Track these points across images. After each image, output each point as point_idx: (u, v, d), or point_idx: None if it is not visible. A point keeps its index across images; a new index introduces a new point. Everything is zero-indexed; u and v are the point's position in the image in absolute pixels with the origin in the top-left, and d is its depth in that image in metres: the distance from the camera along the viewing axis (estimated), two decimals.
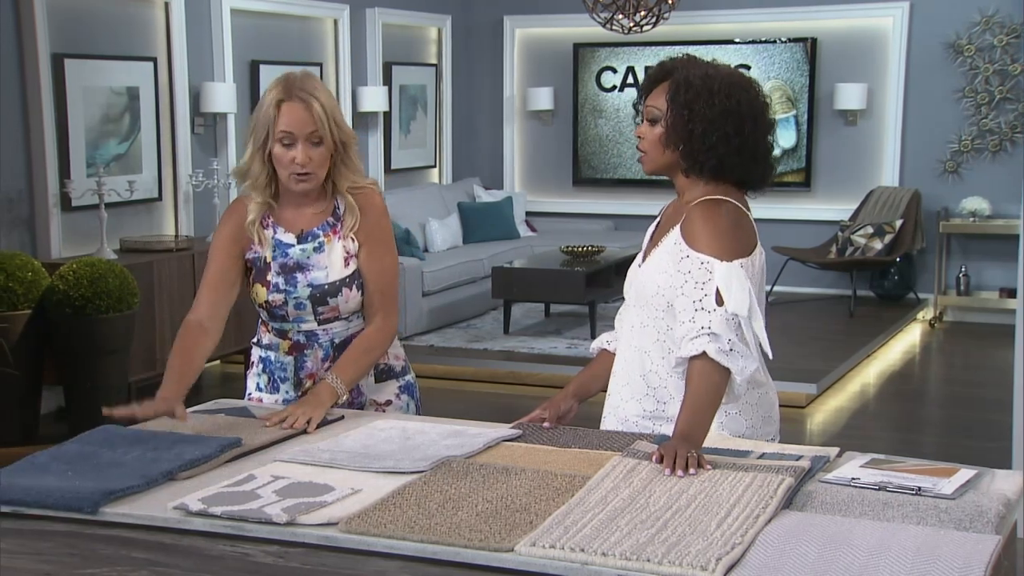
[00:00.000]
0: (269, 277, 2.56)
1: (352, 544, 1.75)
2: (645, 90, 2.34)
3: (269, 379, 2.65)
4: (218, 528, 1.82)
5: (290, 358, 2.62)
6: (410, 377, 2.74)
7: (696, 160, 2.23)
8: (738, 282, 2.14)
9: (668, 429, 2.23)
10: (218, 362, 6.72)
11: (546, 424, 2.35)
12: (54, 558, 1.79)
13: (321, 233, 2.56)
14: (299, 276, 2.55)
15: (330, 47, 7.75)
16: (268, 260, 2.56)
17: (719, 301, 2.14)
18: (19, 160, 5.54)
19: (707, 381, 2.11)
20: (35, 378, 5.06)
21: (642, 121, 2.31)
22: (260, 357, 2.67)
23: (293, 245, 2.56)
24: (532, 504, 1.85)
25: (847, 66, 8.27)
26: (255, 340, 2.69)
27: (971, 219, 7.77)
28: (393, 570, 1.70)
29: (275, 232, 2.57)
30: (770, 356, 2.21)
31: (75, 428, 4.73)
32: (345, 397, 2.52)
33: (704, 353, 2.11)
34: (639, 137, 2.31)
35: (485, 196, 8.97)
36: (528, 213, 9.14)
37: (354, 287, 2.56)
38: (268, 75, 7.10)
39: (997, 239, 7.77)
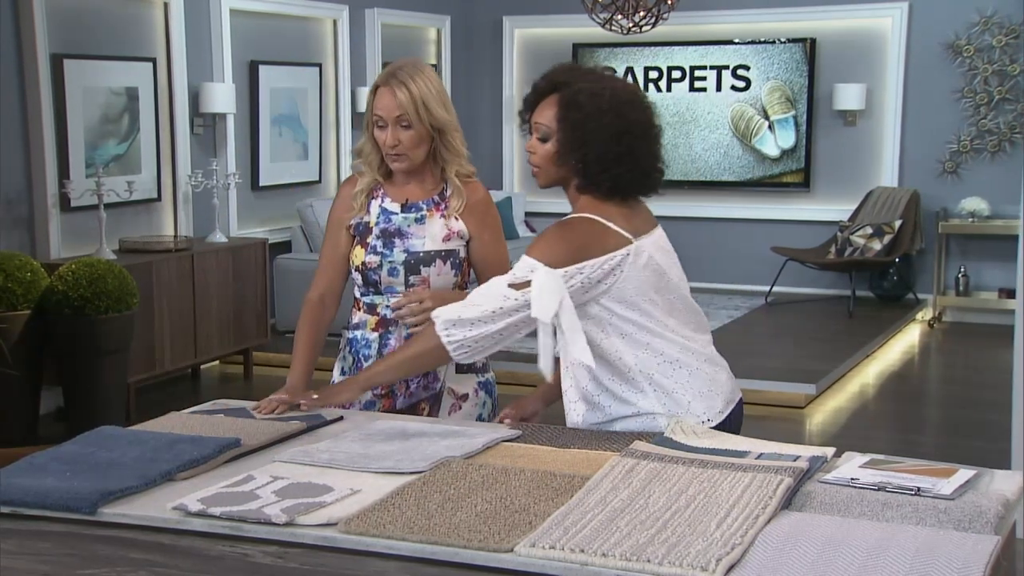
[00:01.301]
0: (369, 240, 2.68)
1: (351, 544, 1.75)
2: (531, 104, 2.37)
3: (354, 360, 2.73)
4: (217, 528, 1.82)
5: (375, 335, 2.69)
6: (490, 376, 2.78)
7: (592, 181, 2.28)
8: (552, 291, 2.19)
9: (624, 427, 2.32)
10: (217, 362, 6.72)
11: (507, 422, 2.41)
12: (53, 558, 1.79)
13: (425, 207, 2.68)
14: (397, 241, 2.66)
15: (329, 47, 7.75)
16: (371, 225, 2.68)
17: (517, 287, 2.22)
18: (18, 160, 5.54)
19: (420, 342, 2.31)
20: (34, 378, 5.06)
21: (530, 135, 2.34)
22: (348, 339, 2.75)
23: (397, 213, 2.68)
24: (531, 505, 1.85)
25: (846, 66, 8.27)
26: (347, 324, 2.78)
27: (970, 219, 7.78)
28: (392, 570, 1.70)
29: (382, 201, 2.69)
30: (590, 362, 2.24)
31: (74, 428, 4.73)
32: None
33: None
34: (530, 151, 2.35)
35: None
36: (527, 213, 9.14)
37: (448, 263, 2.66)
38: (267, 75, 7.12)
39: (996, 239, 7.77)
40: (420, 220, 2.67)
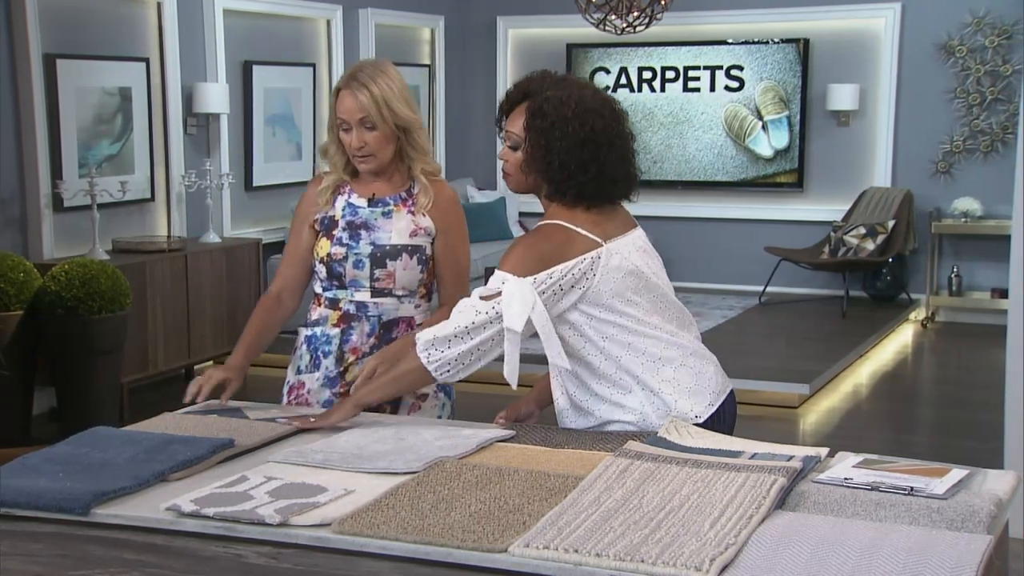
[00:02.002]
0: (335, 232, 2.67)
1: (345, 545, 1.75)
2: (504, 112, 2.39)
3: (312, 357, 2.70)
4: (211, 529, 1.82)
5: (337, 331, 2.68)
6: None
7: (557, 189, 2.30)
8: (521, 299, 2.20)
9: (586, 422, 2.35)
10: (210, 363, 6.71)
11: (500, 421, 2.41)
12: (45, 559, 1.79)
13: (392, 203, 2.68)
14: (363, 234, 2.66)
15: (323, 47, 7.74)
16: (337, 218, 2.67)
17: (487, 298, 2.24)
18: (11, 161, 5.53)
19: (405, 363, 2.32)
20: (27, 379, 5.05)
21: (504, 143, 2.37)
22: (306, 336, 2.73)
23: (363, 207, 2.68)
24: (525, 505, 1.85)
25: (839, 67, 8.28)
26: (304, 322, 2.77)
27: (963, 220, 7.79)
28: (386, 571, 1.70)
29: (349, 197, 2.69)
30: (566, 366, 2.28)
31: (67, 429, 4.72)
32: None
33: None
34: (502, 159, 2.37)
35: (478, 196, 8.97)
36: (521, 214, 9.14)
37: (414, 259, 2.65)
38: (261, 76, 7.11)
39: (989, 239, 7.79)
40: (387, 214, 2.66)
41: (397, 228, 2.65)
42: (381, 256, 2.64)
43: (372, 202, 2.67)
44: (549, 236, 2.28)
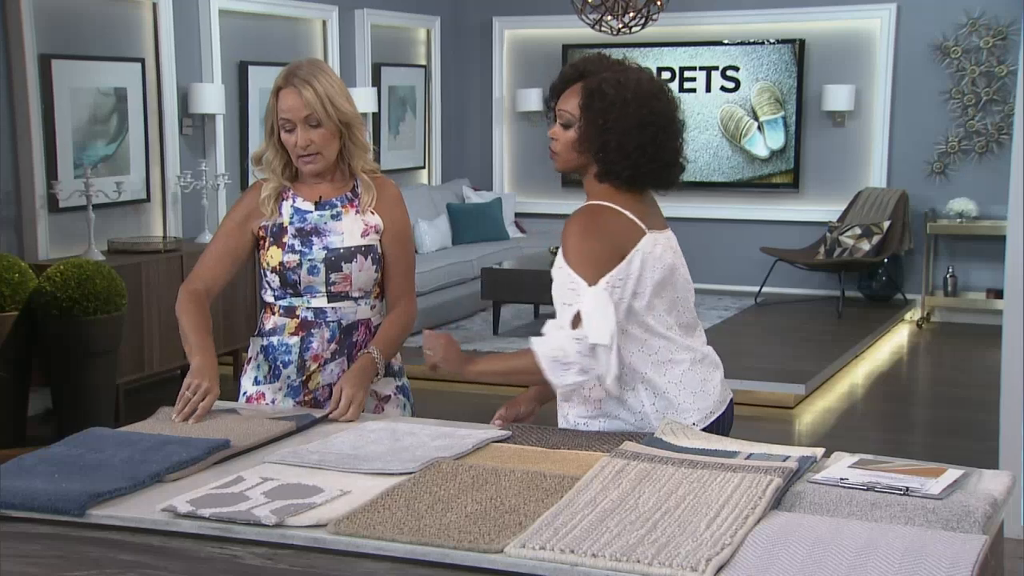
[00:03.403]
0: (285, 239, 2.61)
1: (341, 546, 1.75)
2: (556, 91, 2.37)
3: (270, 368, 2.65)
4: (206, 530, 1.81)
5: (296, 339, 2.63)
6: (405, 380, 2.77)
7: (611, 170, 2.29)
8: (602, 309, 2.20)
9: (609, 426, 2.33)
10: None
11: (498, 423, 2.40)
12: (41, 561, 1.79)
13: (339, 204, 2.64)
14: (315, 239, 2.61)
15: (319, 48, 7.74)
16: (285, 225, 2.62)
17: (576, 323, 2.22)
18: (6, 161, 5.52)
19: (522, 366, 2.28)
20: (22, 380, 5.04)
21: (554, 122, 2.35)
22: (261, 346, 2.67)
23: (311, 211, 2.63)
24: (521, 505, 1.85)
25: (835, 67, 8.29)
26: (255, 333, 2.70)
27: (958, 220, 7.81)
28: (382, 571, 1.70)
29: (293, 202, 2.64)
30: (608, 383, 2.26)
31: (63, 430, 4.72)
32: (381, 375, 2.59)
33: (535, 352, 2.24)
34: (552, 138, 2.36)
35: (474, 197, 8.97)
36: (517, 214, 9.14)
37: (369, 259, 2.62)
38: (257, 76, 7.10)
39: (984, 240, 7.80)
40: (336, 216, 2.62)
41: (348, 230, 2.61)
42: (336, 260, 2.60)
43: (319, 205, 2.63)
44: (603, 218, 2.27)
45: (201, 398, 2.41)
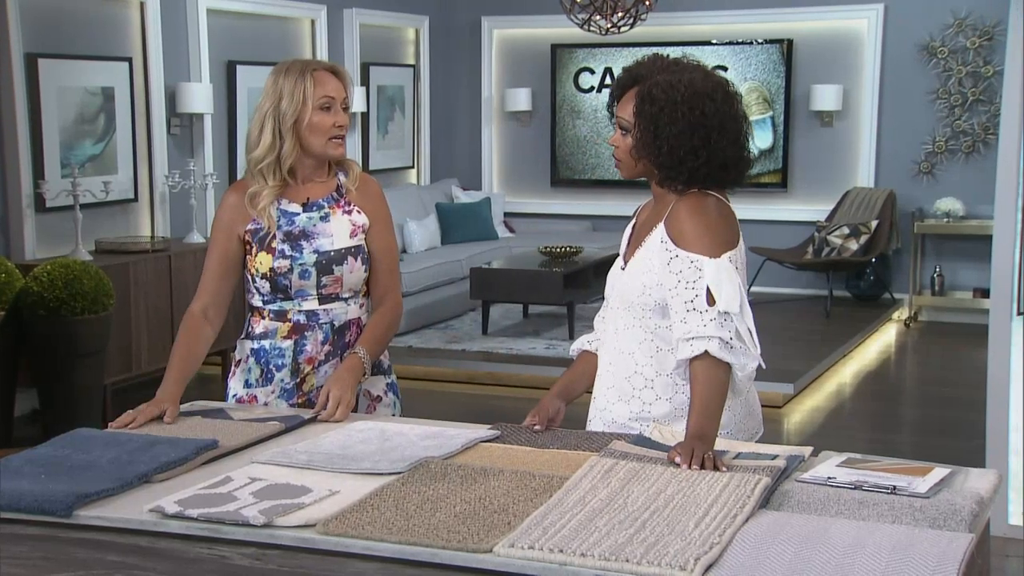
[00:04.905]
0: (274, 244, 2.59)
1: (330, 546, 1.75)
2: (615, 97, 2.36)
3: (262, 371, 2.63)
4: (195, 531, 1.81)
5: (289, 342, 2.61)
6: (393, 377, 2.77)
7: (667, 175, 2.27)
8: (728, 277, 2.17)
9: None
10: None
11: (537, 428, 2.33)
12: (28, 562, 1.78)
13: (326, 204, 2.63)
14: (305, 243, 2.59)
15: (307, 48, 7.72)
16: (272, 230, 2.60)
17: (710, 300, 2.16)
18: None
19: (712, 380, 2.14)
20: (9, 380, 5.01)
21: (616, 129, 2.34)
22: (252, 350, 2.65)
23: (299, 214, 2.61)
24: (510, 505, 1.85)
25: (823, 67, 8.32)
26: (243, 335, 2.68)
27: (945, 220, 7.84)
28: (371, 572, 1.70)
29: (279, 204, 2.62)
30: (758, 348, 2.21)
31: (50, 431, 4.70)
32: (368, 375, 2.58)
33: (706, 352, 2.14)
34: (613, 145, 2.34)
35: (463, 197, 8.96)
36: (506, 214, 9.14)
37: (359, 259, 2.62)
38: (245, 76, 7.08)
39: (971, 240, 7.83)
40: (324, 218, 2.61)
41: (337, 231, 2.60)
42: (327, 263, 2.58)
43: (307, 206, 2.62)
44: (719, 211, 2.25)
45: (156, 410, 2.36)
